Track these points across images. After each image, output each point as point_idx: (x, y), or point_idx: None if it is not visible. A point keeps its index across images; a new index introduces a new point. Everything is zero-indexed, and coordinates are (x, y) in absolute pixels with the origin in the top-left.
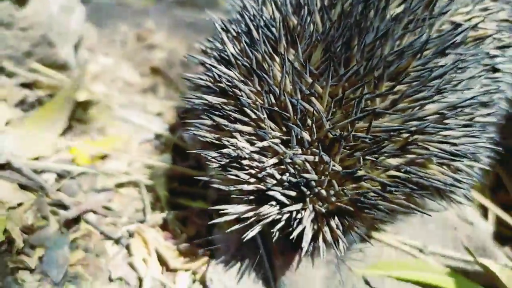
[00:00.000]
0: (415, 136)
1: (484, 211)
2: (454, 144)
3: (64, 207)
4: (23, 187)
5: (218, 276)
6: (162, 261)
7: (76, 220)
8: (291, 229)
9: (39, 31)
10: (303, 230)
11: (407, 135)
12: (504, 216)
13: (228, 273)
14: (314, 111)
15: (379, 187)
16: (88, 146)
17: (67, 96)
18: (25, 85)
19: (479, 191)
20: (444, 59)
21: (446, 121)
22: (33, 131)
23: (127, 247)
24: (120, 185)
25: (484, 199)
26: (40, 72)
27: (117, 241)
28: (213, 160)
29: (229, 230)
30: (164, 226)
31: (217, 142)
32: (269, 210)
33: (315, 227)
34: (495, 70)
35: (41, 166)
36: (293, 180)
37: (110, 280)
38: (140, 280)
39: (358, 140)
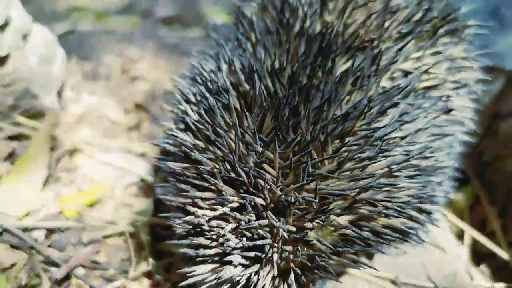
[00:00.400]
0: (361, 195)
1: (460, 231)
2: (400, 197)
3: (55, 264)
4: (14, 246)
5: None
6: None
7: (67, 276)
8: None
9: (21, 85)
10: None
11: (353, 194)
12: (478, 236)
13: None
14: (266, 178)
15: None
16: (75, 197)
17: (41, 144)
18: (13, 137)
19: (456, 207)
20: (393, 110)
21: (395, 173)
22: (16, 186)
23: None
24: (107, 236)
25: (458, 220)
26: (24, 124)
27: None
28: (177, 226)
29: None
30: (149, 275)
31: (181, 206)
32: (232, 272)
33: (275, 284)
34: (449, 110)
35: (30, 224)
36: (249, 244)
37: None
38: None
39: (308, 203)
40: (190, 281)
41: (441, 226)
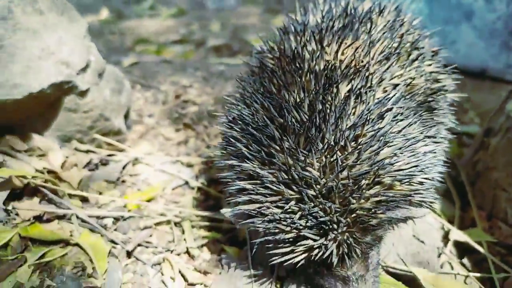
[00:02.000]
0: (379, 172)
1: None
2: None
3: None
4: (90, 229)
5: (217, 285)
6: (184, 278)
7: (128, 253)
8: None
9: (97, 111)
10: (331, 253)
11: (373, 172)
12: (461, 237)
13: (224, 283)
14: (312, 176)
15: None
16: (136, 195)
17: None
18: (90, 151)
19: (445, 213)
20: (389, 113)
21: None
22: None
23: (160, 270)
24: (158, 224)
25: (443, 220)
26: (100, 140)
27: (154, 266)
28: (259, 226)
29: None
30: (187, 253)
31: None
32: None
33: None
34: (433, 109)
35: (102, 213)
36: (314, 222)
37: None
38: None
39: (345, 186)
40: (280, 260)
41: (426, 221)
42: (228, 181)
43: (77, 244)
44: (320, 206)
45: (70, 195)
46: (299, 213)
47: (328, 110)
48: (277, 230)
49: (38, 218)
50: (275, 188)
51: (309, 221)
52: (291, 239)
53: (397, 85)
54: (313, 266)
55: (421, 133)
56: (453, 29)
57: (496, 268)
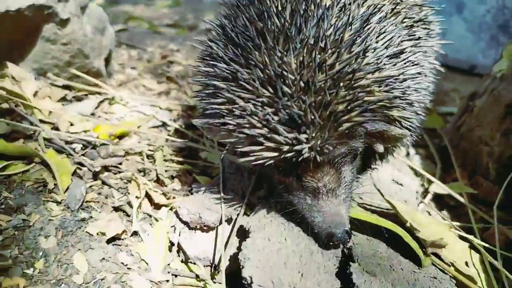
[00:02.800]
0: (358, 73)
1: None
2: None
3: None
4: (58, 151)
5: (184, 204)
6: (150, 200)
7: (94, 176)
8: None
9: (76, 45)
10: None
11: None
12: (442, 189)
13: (191, 202)
14: (288, 71)
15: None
16: (108, 127)
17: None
18: (66, 87)
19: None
20: (368, 26)
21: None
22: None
23: (127, 191)
24: (129, 154)
25: (424, 171)
26: (79, 76)
27: (120, 189)
28: (230, 123)
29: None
30: (157, 181)
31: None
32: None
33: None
34: (417, 38)
35: (71, 138)
36: (287, 117)
37: (113, 209)
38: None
39: (322, 82)
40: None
41: (407, 173)
42: (202, 85)
43: (41, 163)
44: (295, 100)
45: (41, 121)
46: (273, 109)
47: (310, 13)
48: (247, 125)
49: (3, 136)
50: (250, 87)
51: (283, 117)
52: (262, 136)
53: (383, 5)
54: (283, 179)
55: (404, 46)
56: (444, 20)
57: (476, 221)
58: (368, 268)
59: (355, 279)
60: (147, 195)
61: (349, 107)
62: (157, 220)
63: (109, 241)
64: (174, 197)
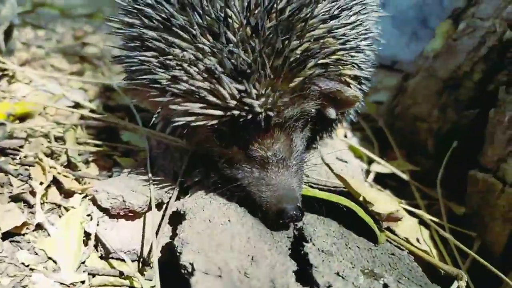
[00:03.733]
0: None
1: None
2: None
3: None
4: None
5: (102, 187)
6: (58, 185)
7: None
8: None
9: None
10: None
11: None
12: (383, 167)
13: (112, 185)
14: (234, 16)
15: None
16: (6, 106)
17: None
18: None
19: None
20: None
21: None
22: None
23: (29, 175)
24: (32, 136)
25: (365, 150)
26: None
27: (20, 175)
28: (161, 78)
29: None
30: (68, 166)
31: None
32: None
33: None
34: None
35: None
36: (234, 65)
37: (11, 200)
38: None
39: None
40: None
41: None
42: (125, 40)
43: None
44: (242, 47)
45: None
46: (216, 58)
47: None
48: (185, 77)
49: None
50: (186, 35)
51: (228, 66)
52: (204, 90)
53: None
54: (225, 151)
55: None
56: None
57: (420, 198)
58: (324, 247)
59: (312, 259)
60: (55, 181)
61: (302, 58)
62: (67, 210)
63: (4, 237)
64: (89, 184)
